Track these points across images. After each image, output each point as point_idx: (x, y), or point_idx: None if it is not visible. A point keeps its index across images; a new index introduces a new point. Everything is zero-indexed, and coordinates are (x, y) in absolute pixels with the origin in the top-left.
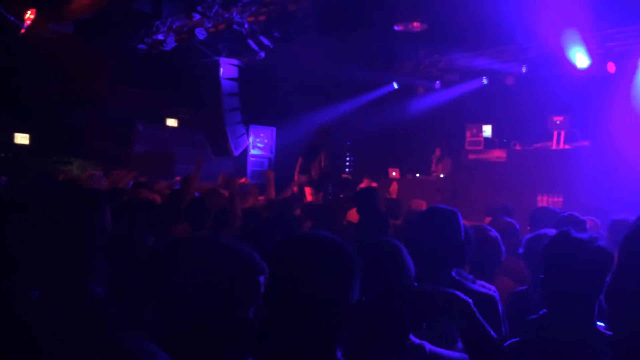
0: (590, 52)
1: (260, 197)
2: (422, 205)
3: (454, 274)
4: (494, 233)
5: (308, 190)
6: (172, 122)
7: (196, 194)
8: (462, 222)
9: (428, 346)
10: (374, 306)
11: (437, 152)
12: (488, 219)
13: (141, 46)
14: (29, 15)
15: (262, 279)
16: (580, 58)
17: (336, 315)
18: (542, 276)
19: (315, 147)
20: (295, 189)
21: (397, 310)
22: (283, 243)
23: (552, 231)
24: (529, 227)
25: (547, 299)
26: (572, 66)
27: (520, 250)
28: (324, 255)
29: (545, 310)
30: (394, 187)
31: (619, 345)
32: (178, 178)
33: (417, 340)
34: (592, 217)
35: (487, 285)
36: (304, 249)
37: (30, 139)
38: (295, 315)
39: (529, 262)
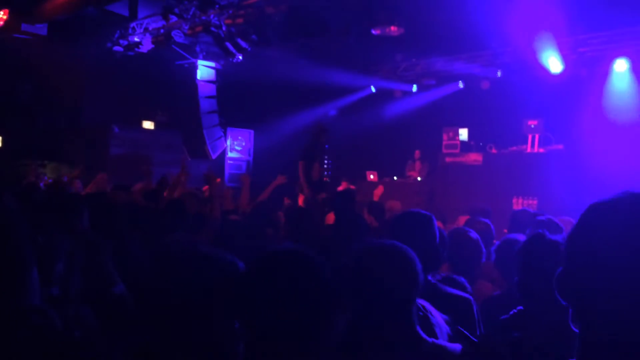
0: (564, 57)
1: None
2: (396, 205)
3: (429, 277)
4: (474, 234)
5: (301, 196)
6: (148, 125)
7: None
8: (437, 225)
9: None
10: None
11: (417, 153)
12: (464, 218)
13: (117, 48)
14: (2, 15)
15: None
16: (553, 63)
17: (316, 319)
18: (516, 278)
19: (314, 148)
20: (302, 196)
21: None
22: (256, 261)
23: (521, 236)
24: (505, 230)
25: (522, 300)
26: (546, 71)
27: (493, 258)
28: (297, 273)
29: (515, 310)
30: (379, 190)
31: (581, 343)
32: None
33: (429, 338)
34: (570, 218)
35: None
36: (275, 267)
37: (3, 141)
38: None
39: (501, 268)
